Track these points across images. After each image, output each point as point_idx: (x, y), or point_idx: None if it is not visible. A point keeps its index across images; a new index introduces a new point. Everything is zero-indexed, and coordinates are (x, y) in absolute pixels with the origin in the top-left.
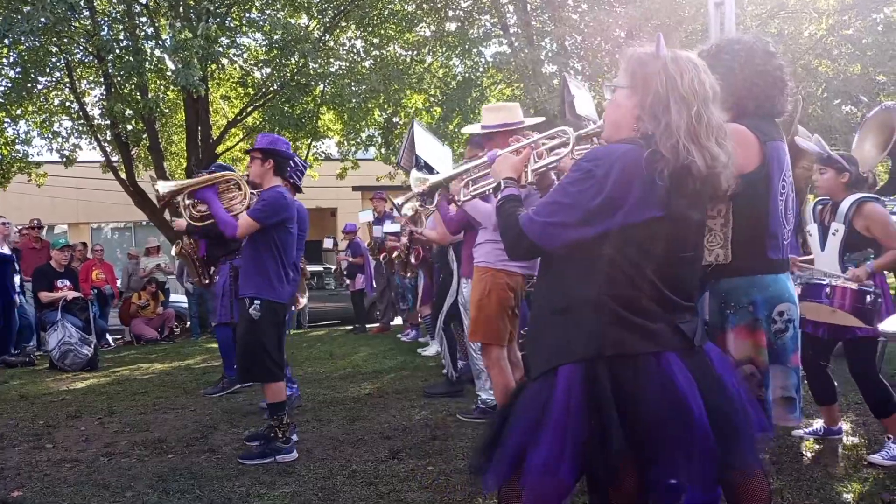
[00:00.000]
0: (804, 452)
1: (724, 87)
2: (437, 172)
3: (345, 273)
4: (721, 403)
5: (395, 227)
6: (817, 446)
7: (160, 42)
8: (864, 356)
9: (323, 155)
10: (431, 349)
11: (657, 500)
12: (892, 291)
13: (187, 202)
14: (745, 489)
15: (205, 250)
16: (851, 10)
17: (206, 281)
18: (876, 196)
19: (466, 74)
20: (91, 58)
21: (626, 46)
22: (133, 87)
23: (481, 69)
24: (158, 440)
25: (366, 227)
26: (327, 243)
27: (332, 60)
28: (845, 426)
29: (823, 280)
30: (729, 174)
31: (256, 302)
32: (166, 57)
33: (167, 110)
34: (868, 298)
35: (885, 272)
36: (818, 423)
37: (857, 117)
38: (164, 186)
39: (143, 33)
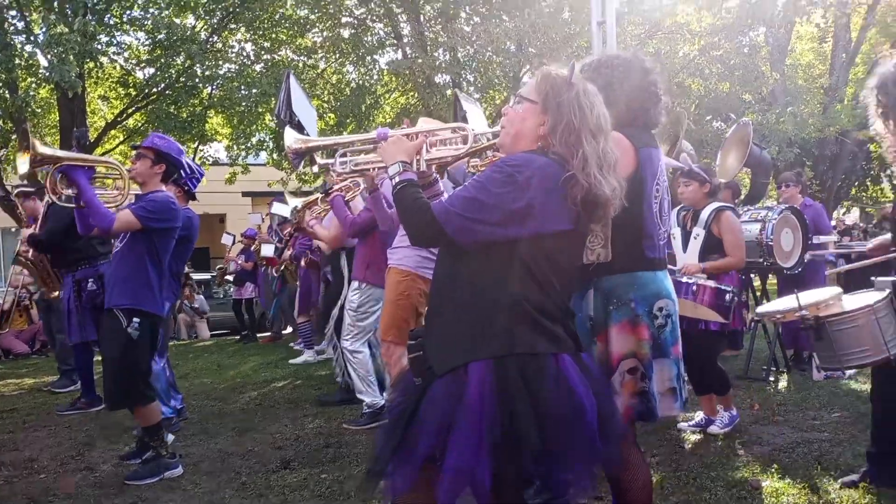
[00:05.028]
0: (681, 444)
1: (604, 99)
2: (307, 133)
3: (231, 278)
4: (602, 404)
5: (286, 211)
6: (693, 437)
7: (32, 37)
8: (710, 347)
9: (211, 159)
10: (301, 358)
11: (550, 494)
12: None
13: (56, 178)
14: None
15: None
16: (721, 32)
17: (56, 294)
18: (732, 206)
19: (360, 81)
20: None
21: (514, 60)
22: (1, 84)
23: (375, 76)
24: (29, 460)
25: (259, 228)
26: (226, 239)
27: (220, 63)
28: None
29: (690, 279)
30: (619, 203)
31: (136, 320)
32: (38, 52)
33: (39, 110)
34: (727, 297)
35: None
36: (699, 416)
37: (727, 133)
38: (42, 148)
39: (12, 27)
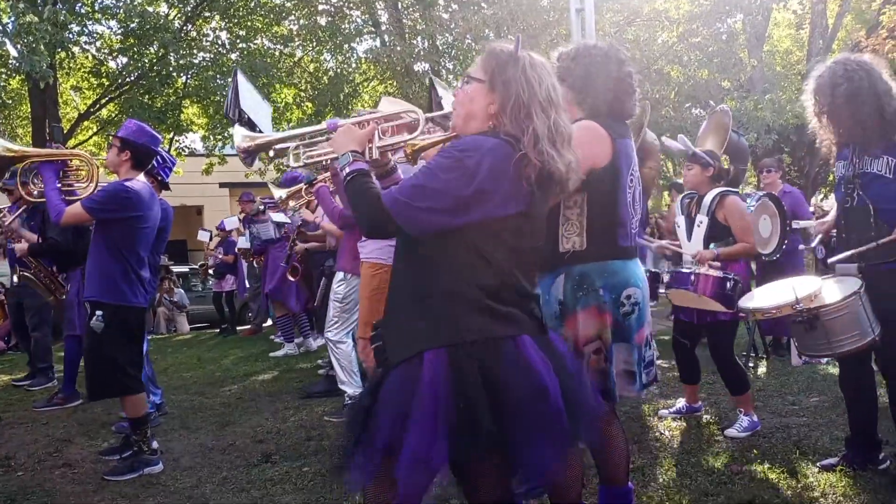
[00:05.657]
0: (663, 431)
1: (582, 88)
2: (259, 130)
3: (211, 271)
4: (567, 382)
5: (283, 217)
6: (674, 424)
7: (1, 26)
8: (724, 339)
9: (187, 150)
10: (282, 351)
11: (520, 478)
12: None
13: (28, 176)
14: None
15: (54, 265)
16: (699, 19)
17: (64, 297)
18: (736, 190)
19: (338, 70)
20: None
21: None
22: None
23: (353, 65)
24: (5, 457)
25: (235, 234)
26: (202, 236)
27: (195, 52)
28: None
29: (689, 269)
30: (576, 178)
31: (99, 312)
32: (8, 42)
33: (10, 101)
34: (728, 285)
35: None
36: (681, 402)
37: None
38: None
39: None
